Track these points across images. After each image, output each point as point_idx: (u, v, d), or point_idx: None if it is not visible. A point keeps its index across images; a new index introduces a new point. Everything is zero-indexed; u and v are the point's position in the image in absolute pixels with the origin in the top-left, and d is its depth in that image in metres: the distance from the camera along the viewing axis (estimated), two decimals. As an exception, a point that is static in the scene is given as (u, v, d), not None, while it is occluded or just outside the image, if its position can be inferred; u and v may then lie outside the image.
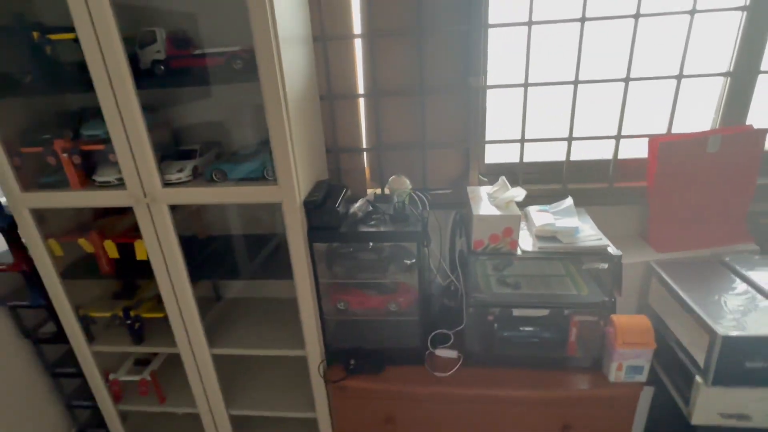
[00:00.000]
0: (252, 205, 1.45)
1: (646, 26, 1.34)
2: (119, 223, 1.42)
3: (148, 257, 1.28)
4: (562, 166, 1.53)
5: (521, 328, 1.32)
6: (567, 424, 1.27)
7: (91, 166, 1.27)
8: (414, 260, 1.29)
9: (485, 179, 1.55)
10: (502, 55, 1.44)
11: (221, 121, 1.45)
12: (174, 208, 1.24)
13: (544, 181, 1.57)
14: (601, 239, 1.23)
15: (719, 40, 1.37)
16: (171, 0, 1.28)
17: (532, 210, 1.38)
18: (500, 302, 1.30)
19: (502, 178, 1.35)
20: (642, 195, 1.46)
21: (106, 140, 1.16)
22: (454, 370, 1.32)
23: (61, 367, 1.61)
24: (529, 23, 1.36)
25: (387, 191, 1.37)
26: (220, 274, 1.50)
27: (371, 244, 1.34)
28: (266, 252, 1.45)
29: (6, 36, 1.20)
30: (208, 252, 1.49)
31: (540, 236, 1.27)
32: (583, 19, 1.34)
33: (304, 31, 1.29)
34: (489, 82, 1.44)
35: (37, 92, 1.28)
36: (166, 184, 1.21)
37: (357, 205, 1.33)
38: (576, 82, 1.41)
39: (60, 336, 1.48)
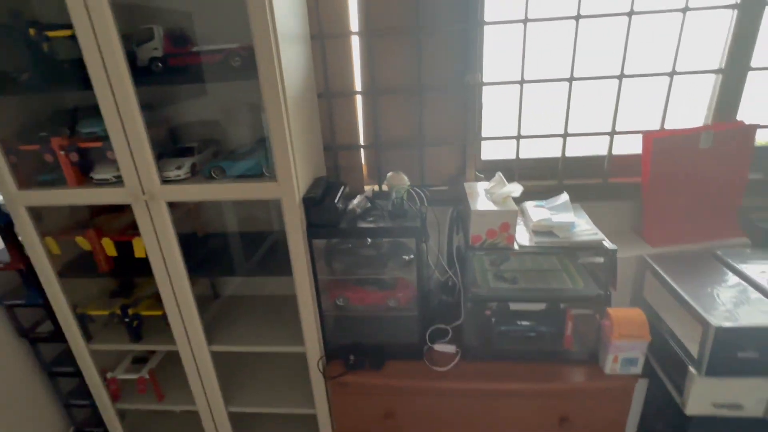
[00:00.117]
0: (250, 202, 1.46)
1: (639, 24, 1.36)
2: (117, 221, 1.42)
3: (146, 255, 1.28)
4: (558, 162, 1.54)
5: (518, 323, 1.33)
6: (564, 417, 1.29)
7: (89, 163, 1.26)
8: (412, 256, 1.30)
9: (482, 175, 1.57)
10: (498, 53, 1.45)
11: (219, 118, 1.45)
12: (172, 206, 1.24)
13: (540, 177, 1.59)
14: (596, 234, 1.24)
15: (712, 37, 1.39)
16: (168, -3, 1.28)
17: (529, 205, 1.40)
18: (497, 297, 1.32)
19: (499, 174, 1.37)
20: (636, 190, 1.48)
21: (104, 137, 1.16)
22: (452, 364, 1.33)
23: (58, 366, 1.61)
24: (525, 20, 1.38)
25: (385, 188, 1.38)
26: (219, 272, 1.50)
27: (369, 240, 1.35)
28: (265, 249, 1.46)
29: (3, 33, 1.20)
30: (207, 249, 1.49)
31: (536, 231, 1.28)
32: (578, 17, 1.35)
33: (303, 28, 1.30)
34: (485, 80, 1.46)
35: (35, 90, 1.28)
36: (165, 181, 1.21)
37: (355, 201, 1.34)
38: (571, 79, 1.43)
39: (57, 335, 1.48)
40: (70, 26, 1.03)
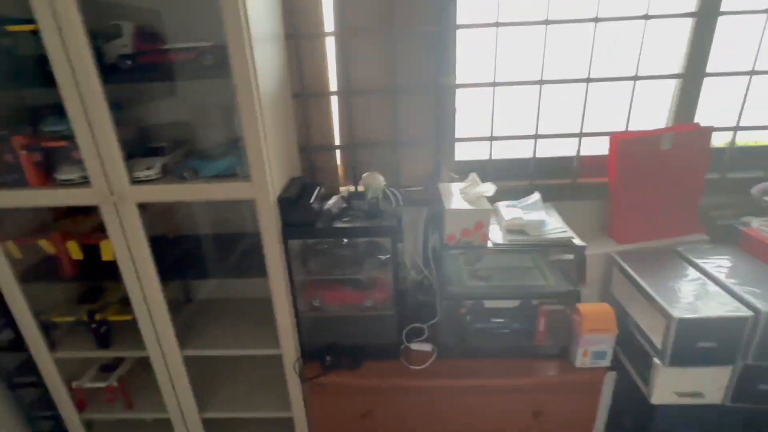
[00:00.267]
0: (224, 203, 1.43)
1: (605, 30, 1.41)
2: (83, 224, 1.37)
3: (114, 258, 1.24)
4: (530, 163, 1.59)
5: (493, 320, 1.36)
6: (537, 411, 1.32)
7: (52, 164, 1.22)
8: (388, 256, 1.31)
9: (456, 176, 1.59)
10: (471, 56, 1.49)
11: (191, 118, 1.42)
12: (142, 207, 1.21)
13: (512, 177, 1.63)
14: (566, 232, 1.29)
15: (673, 44, 1.47)
16: (138, -6, 1.25)
17: (502, 205, 1.43)
18: (472, 295, 1.34)
19: (473, 175, 1.39)
20: (604, 190, 1.54)
21: (69, 137, 1.12)
22: (428, 363, 1.35)
23: (19, 377, 1.53)
24: (497, 24, 1.41)
25: (361, 188, 1.39)
26: (191, 274, 1.47)
27: (346, 240, 1.35)
28: (239, 250, 1.44)
29: (-41, 27, 1.14)
30: (179, 252, 1.45)
31: (509, 230, 1.31)
32: (546, 22, 1.40)
33: (277, 28, 1.29)
34: (459, 82, 1.49)
35: (-7, 86, 1.23)
36: (135, 181, 1.18)
37: (331, 201, 1.34)
38: (541, 82, 1.48)
39: (18, 343, 1.41)
40: (32, 21, 0.99)
